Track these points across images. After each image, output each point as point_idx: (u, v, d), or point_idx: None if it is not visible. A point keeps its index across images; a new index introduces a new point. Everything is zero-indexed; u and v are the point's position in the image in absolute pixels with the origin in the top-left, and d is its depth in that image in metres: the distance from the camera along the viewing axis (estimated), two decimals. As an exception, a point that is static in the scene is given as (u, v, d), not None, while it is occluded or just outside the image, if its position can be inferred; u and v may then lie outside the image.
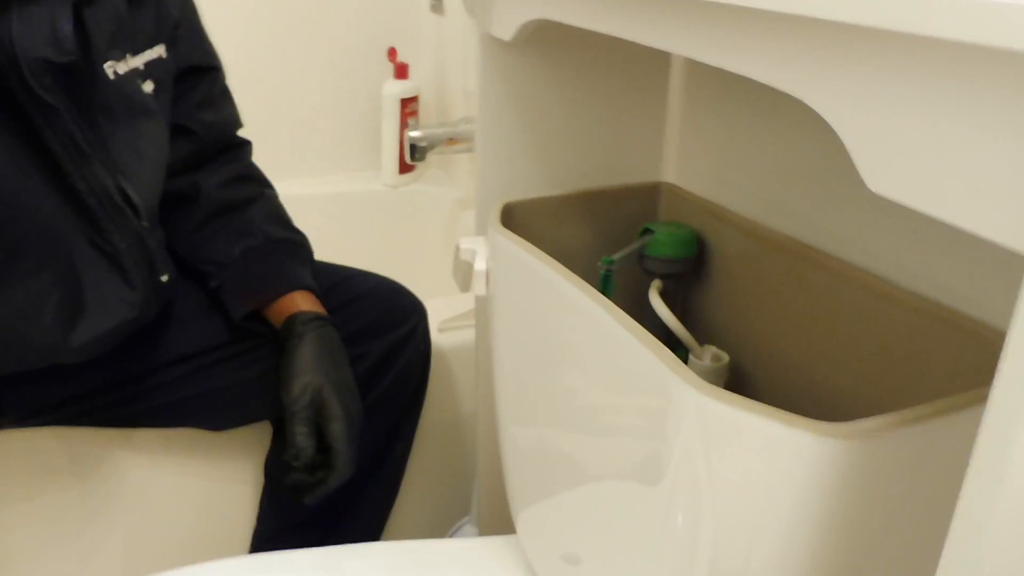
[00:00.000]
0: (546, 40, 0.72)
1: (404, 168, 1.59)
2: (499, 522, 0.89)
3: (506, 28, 0.67)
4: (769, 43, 0.39)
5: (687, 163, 0.80)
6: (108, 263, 0.79)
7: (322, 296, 0.93)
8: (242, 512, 1.03)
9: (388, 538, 1.06)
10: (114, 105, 0.78)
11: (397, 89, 1.54)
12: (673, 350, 0.48)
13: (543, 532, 0.70)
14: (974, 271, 0.53)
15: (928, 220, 0.36)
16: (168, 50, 0.87)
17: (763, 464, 0.42)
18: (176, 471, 1.00)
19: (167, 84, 0.87)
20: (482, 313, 0.83)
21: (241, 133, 1.01)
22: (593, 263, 0.74)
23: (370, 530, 1.04)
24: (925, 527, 0.43)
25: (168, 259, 0.88)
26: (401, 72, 1.56)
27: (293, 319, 0.88)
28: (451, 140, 1.42)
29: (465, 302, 1.11)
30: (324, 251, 1.00)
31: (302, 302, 0.90)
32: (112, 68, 0.78)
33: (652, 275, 0.74)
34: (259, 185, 0.99)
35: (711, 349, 0.71)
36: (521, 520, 0.74)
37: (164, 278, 0.85)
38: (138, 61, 0.82)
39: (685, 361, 0.55)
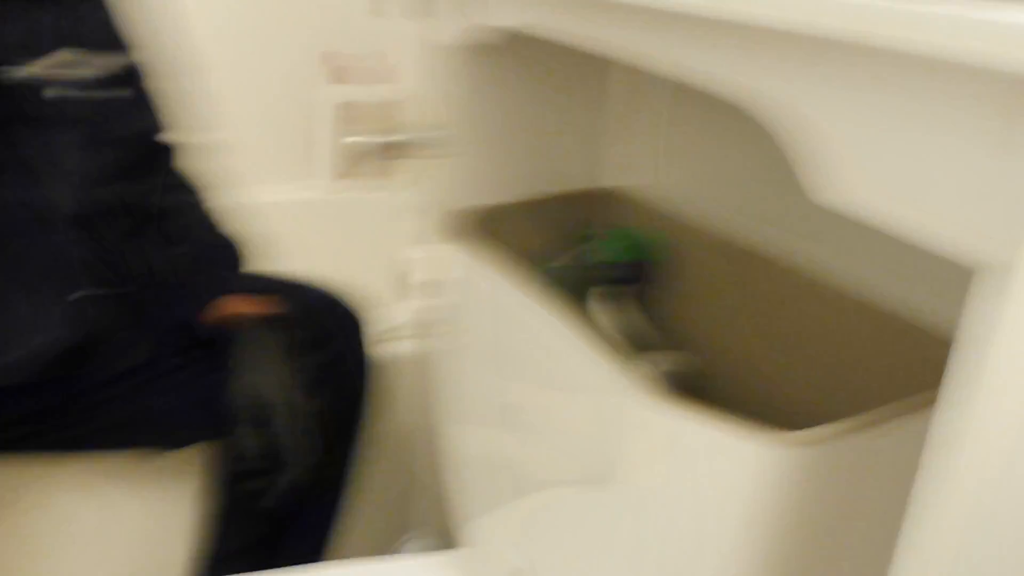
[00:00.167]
0: (494, 47, 0.71)
1: (343, 175, 1.57)
2: (446, 535, 0.88)
3: (449, 33, 0.66)
4: (717, 51, 0.39)
5: (639, 168, 0.79)
6: (19, 283, 0.76)
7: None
8: (178, 542, 0.99)
9: (335, 557, 1.03)
10: (26, 111, 0.75)
11: (332, 94, 1.52)
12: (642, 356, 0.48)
13: (491, 544, 0.69)
14: (926, 279, 0.53)
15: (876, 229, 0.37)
16: (87, 54, 0.83)
17: (708, 470, 0.42)
18: (103, 503, 0.96)
19: (87, 89, 0.84)
20: (429, 323, 0.82)
21: (174, 139, 0.98)
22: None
23: (314, 550, 1.01)
24: (878, 530, 0.43)
25: (96, 273, 0.85)
26: (338, 76, 1.54)
27: (231, 322, 0.88)
28: (390, 147, 1.40)
29: (404, 312, 1.09)
30: (263, 259, 0.98)
31: (239, 305, 0.89)
32: (20, 73, 0.75)
33: (595, 281, 0.73)
34: (189, 191, 0.97)
35: (674, 355, 0.70)
36: (467, 533, 0.73)
37: (88, 293, 0.82)
38: (52, 66, 0.79)
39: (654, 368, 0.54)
